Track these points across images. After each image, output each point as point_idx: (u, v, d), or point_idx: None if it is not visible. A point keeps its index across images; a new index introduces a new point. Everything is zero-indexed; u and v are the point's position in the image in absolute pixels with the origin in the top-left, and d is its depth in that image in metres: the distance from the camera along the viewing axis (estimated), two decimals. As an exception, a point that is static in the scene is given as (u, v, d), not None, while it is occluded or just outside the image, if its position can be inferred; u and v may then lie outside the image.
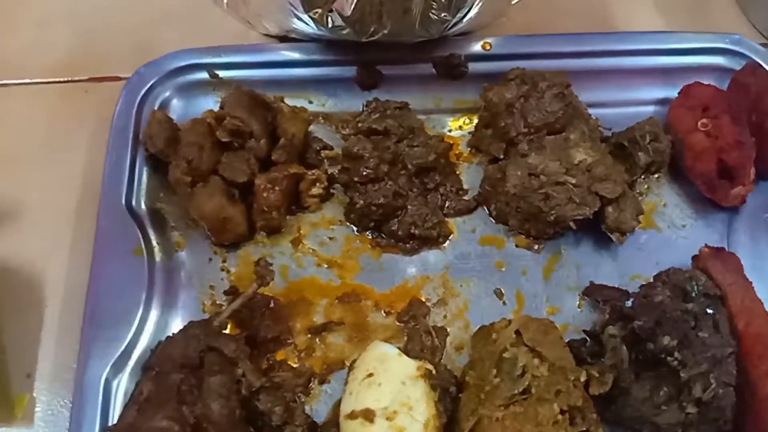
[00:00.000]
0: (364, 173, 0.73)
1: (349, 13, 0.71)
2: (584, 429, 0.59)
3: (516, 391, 0.60)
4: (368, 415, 0.58)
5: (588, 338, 0.68)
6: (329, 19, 0.73)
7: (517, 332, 0.63)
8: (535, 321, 0.64)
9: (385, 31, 0.74)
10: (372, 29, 0.74)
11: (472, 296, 0.72)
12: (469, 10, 0.76)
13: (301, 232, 0.75)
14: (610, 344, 0.64)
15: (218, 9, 0.80)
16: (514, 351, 0.62)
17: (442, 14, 0.73)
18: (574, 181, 0.72)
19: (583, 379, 0.62)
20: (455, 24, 0.78)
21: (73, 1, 0.91)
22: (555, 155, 0.73)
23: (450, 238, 0.76)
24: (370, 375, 0.61)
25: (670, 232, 0.76)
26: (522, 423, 0.58)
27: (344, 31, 0.75)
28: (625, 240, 0.73)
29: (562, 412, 0.59)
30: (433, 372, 0.62)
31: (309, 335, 0.70)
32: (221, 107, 0.75)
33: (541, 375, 0.61)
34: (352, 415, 0.59)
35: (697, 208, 0.77)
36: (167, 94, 0.80)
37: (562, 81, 0.76)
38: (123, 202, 0.72)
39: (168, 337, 0.65)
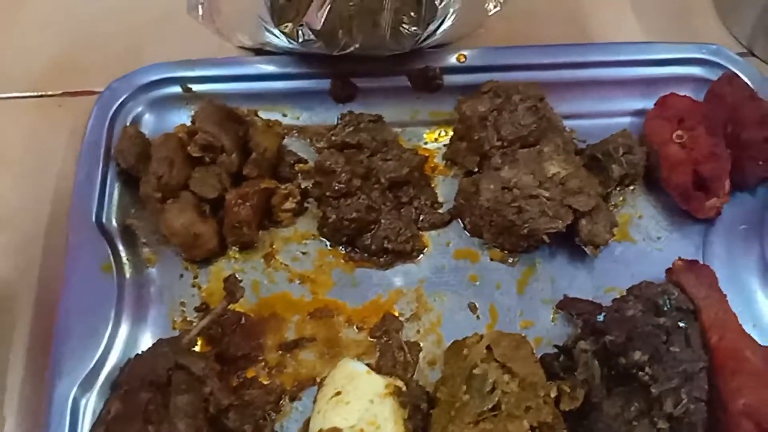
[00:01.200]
0: (336, 187, 0.73)
1: (318, 26, 0.70)
2: (554, 446, 0.59)
3: (485, 408, 0.59)
4: (336, 434, 0.58)
5: (560, 353, 0.67)
6: (300, 32, 0.73)
7: (488, 348, 0.63)
8: (506, 336, 0.64)
9: (357, 45, 0.74)
10: (343, 43, 0.74)
11: (446, 311, 0.72)
12: (441, 23, 0.76)
13: (274, 247, 0.75)
14: (582, 359, 0.64)
15: (193, 22, 0.80)
16: (485, 367, 0.61)
17: (412, 28, 0.73)
18: (547, 195, 0.71)
19: (553, 394, 0.61)
20: (428, 36, 0.78)
21: (47, 15, 0.90)
22: (528, 168, 0.73)
23: (424, 251, 0.75)
24: (338, 393, 0.60)
25: (646, 245, 0.75)
26: (491, 440, 0.58)
27: (315, 45, 0.74)
28: (599, 253, 0.72)
29: (532, 428, 0.59)
30: (404, 389, 0.62)
31: (280, 352, 0.69)
32: (192, 122, 0.75)
33: (511, 391, 0.60)
34: (320, 434, 0.58)
35: (673, 220, 0.76)
36: (140, 108, 0.79)
37: (536, 94, 0.76)
38: (93, 218, 0.71)
39: (137, 354, 0.64)
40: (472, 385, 0.61)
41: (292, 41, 0.75)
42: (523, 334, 0.66)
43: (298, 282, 0.73)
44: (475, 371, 0.61)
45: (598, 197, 0.72)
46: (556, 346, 0.67)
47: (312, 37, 0.73)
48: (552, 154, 0.74)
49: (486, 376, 0.61)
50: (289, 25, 0.73)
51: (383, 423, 0.58)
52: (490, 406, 0.59)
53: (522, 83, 0.77)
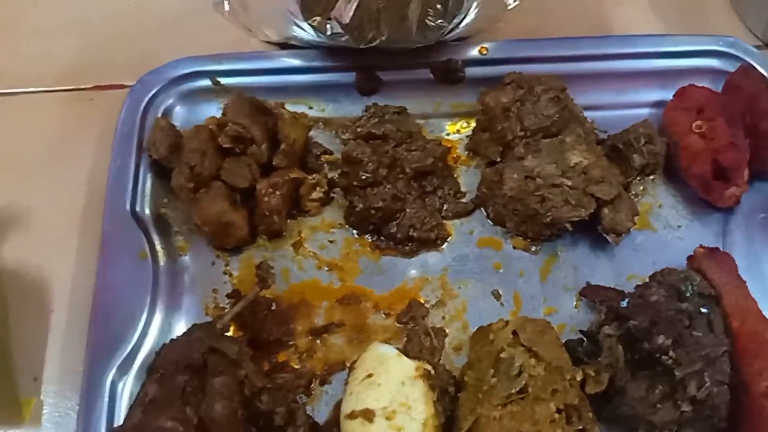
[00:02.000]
0: (363, 177, 0.74)
1: (347, 20, 0.72)
2: (580, 428, 0.60)
3: (513, 391, 0.61)
4: (368, 415, 0.59)
5: (584, 338, 0.68)
6: (328, 26, 0.75)
7: (514, 333, 0.64)
8: (531, 322, 0.65)
9: (383, 38, 0.75)
10: (370, 36, 0.75)
11: (470, 297, 0.73)
12: (465, 16, 0.77)
13: (302, 235, 0.77)
14: (606, 344, 0.66)
15: (219, 17, 0.81)
16: (511, 351, 0.63)
17: (439, 21, 0.75)
18: (569, 183, 0.73)
19: (579, 378, 0.63)
20: (452, 30, 0.79)
21: (77, 10, 0.92)
22: (551, 158, 0.74)
23: (448, 240, 0.77)
24: (370, 375, 0.62)
25: (666, 233, 0.77)
26: (519, 422, 0.59)
27: (343, 38, 0.76)
28: (621, 241, 0.74)
29: (558, 411, 0.60)
30: (432, 372, 0.64)
31: (310, 337, 0.71)
32: (223, 114, 0.77)
33: (538, 375, 0.61)
34: (352, 415, 0.60)
35: (693, 209, 0.78)
36: (170, 101, 0.81)
37: (558, 85, 0.77)
38: (127, 207, 0.73)
39: (172, 339, 0.66)
40: (499, 369, 0.62)
41: (320, 35, 0.77)
42: (547, 320, 0.67)
43: (326, 269, 0.75)
44: (502, 355, 0.63)
45: (619, 186, 0.73)
46: (580, 331, 0.69)
47: (340, 30, 0.75)
48: (574, 144, 0.75)
49: (513, 360, 0.62)
50: (318, 18, 0.74)
51: (414, 404, 0.60)
52: (517, 389, 0.61)
53: (544, 75, 0.78)
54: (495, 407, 0.60)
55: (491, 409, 0.60)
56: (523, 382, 0.61)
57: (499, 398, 0.61)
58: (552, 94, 0.76)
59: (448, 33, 0.79)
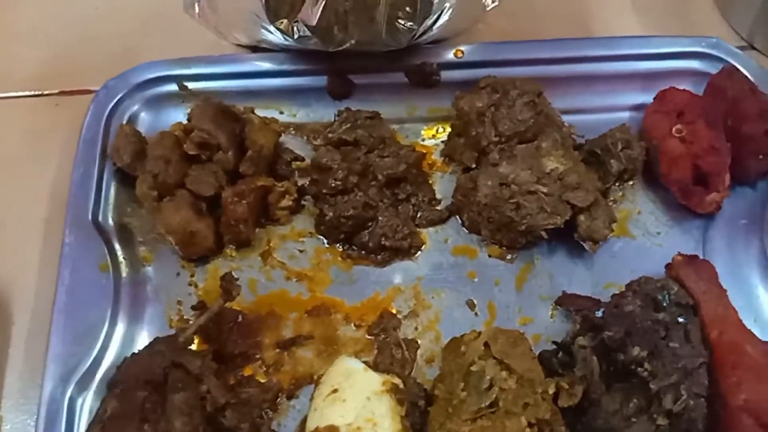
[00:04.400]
0: (333, 185, 0.73)
1: (314, 22, 0.70)
2: (552, 442, 0.59)
3: (483, 405, 0.59)
4: (333, 432, 0.57)
5: (559, 349, 0.67)
6: (295, 29, 0.73)
7: (486, 344, 0.62)
8: (504, 333, 0.63)
9: (353, 41, 0.73)
10: (339, 39, 0.73)
11: (444, 308, 0.71)
12: (437, 19, 0.75)
13: (271, 245, 0.75)
14: (581, 355, 0.64)
15: (189, 20, 0.80)
16: (482, 363, 0.61)
17: (408, 24, 0.73)
18: (545, 190, 0.71)
19: (551, 391, 0.61)
20: (425, 32, 0.77)
21: (43, 14, 0.90)
22: (526, 164, 0.72)
23: (422, 248, 0.75)
24: (335, 391, 0.60)
25: (645, 240, 0.75)
26: (488, 437, 0.57)
27: (311, 41, 0.74)
28: (598, 248, 0.72)
29: (530, 425, 0.58)
30: (401, 386, 0.62)
31: (277, 350, 0.69)
32: (188, 120, 0.75)
33: (509, 388, 0.60)
34: (317, 432, 0.58)
35: (673, 215, 0.76)
36: (136, 107, 0.79)
37: (534, 89, 0.75)
38: (90, 216, 0.71)
39: (133, 353, 0.64)
40: (469, 382, 0.61)
41: (288, 38, 0.75)
42: (521, 331, 0.65)
43: (295, 280, 0.73)
44: (472, 368, 0.61)
45: (596, 192, 0.72)
46: (554, 342, 0.67)
47: (308, 33, 0.73)
48: (550, 150, 0.73)
49: (483, 373, 0.60)
50: (285, 21, 0.72)
51: (380, 420, 0.58)
52: (487, 403, 0.59)
53: (519, 78, 0.76)
54: (464, 422, 0.58)
55: (461, 424, 0.58)
56: (494, 396, 0.59)
57: (468, 413, 0.59)
58: (527, 99, 0.74)
59: (422, 35, 0.77)
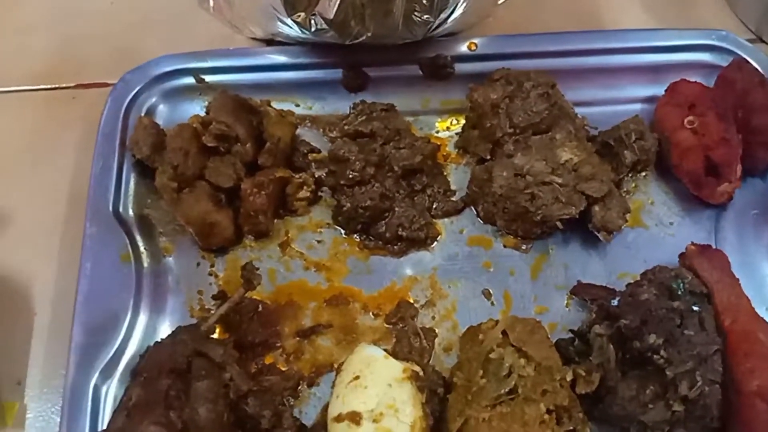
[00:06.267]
0: (350, 176, 0.73)
1: (331, 16, 0.71)
2: (571, 428, 0.60)
3: (502, 392, 0.60)
4: (355, 418, 0.58)
5: (575, 337, 0.68)
6: (312, 22, 0.73)
7: (504, 332, 0.63)
8: (521, 321, 0.64)
9: (369, 34, 0.74)
10: (355, 32, 0.74)
11: (460, 297, 0.72)
12: (452, 12, 0.76)
13: (289, 235, 0.75)
14: (597, 343, 0.65)
15: (204, 13, 0.80)
16: (501, 351, 0.62)
17: (425, 16, 0.73)
18: (560, 181, 0.72)
19: (569, 378, 0.62)
20: (439, 25, 0.78)
21: (58, 8, 0.91)
22: (541, 155, 0.73)
23: (438, 239, 0.76)
24: (357, 378, 0.61)
25: (658, 230, 0.76)
26: (509, 423, 0.58)
27: (328, 34, 0.75)
28: (612, 239, 0.73)
29: (548, 411, 0.59)
30: (421, 374, 0.63)
31: (297, 338, 0.70)
32: (207, 112, 0.75)
33: (528, 375, 0.61)
34: (339, 418, 0.59)
35: (685, 206, 0.77)
36: (153, 99, 0.80)
37: (548, 80, 0.76)
38: (110, 208, 0.72)
39: (156, 342, 0.65)
40: (488, 370, 0.61)
41: (305, 31, 0.76)
42: (537, 320, 0.66)
43: (313, 270, 0.74)
44: (491, 356, 0.62)
45: (610, 183, 0.72)
46: (571, 330, 0.68)
47: (324, 26, 0.73)
48: (564, 141, 0.74)
49: (502, 360, 0.61)
50: (302, 14, 0.73)
51: (402, 406, 0.59)
52: (506, 390, 0.60)
53: (533, 70, 0.77)
54: (484, 408, 0.59)
55: (480, 411, 0.59)
56: (513, 383, 0.60)
57: (488, 399, 0.60)
58: (541, 90, 0.75)
59: (436, 28, 0.78)
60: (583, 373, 0.63)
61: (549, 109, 0.75)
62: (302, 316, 0.71)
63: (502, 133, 0.75)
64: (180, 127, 0.75)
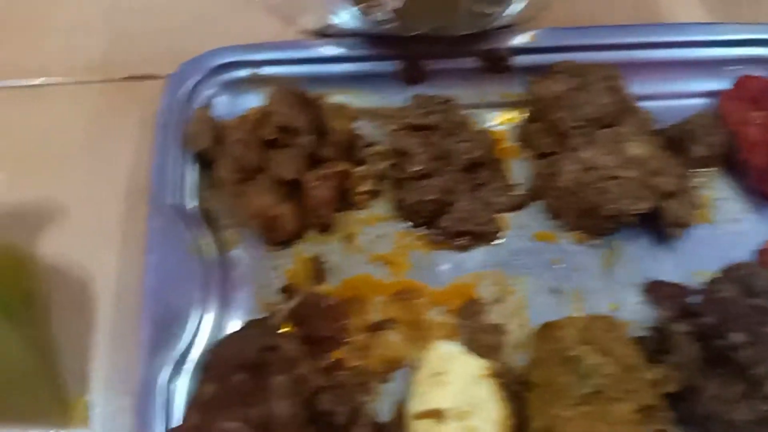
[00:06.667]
0: (413, 169, 0.72)
1: (400, 5, 0.69)
2: (657, 428, 0.58)
3: (586, 391, 0.58)
4: (438, 415, 0.57)
5: (653, 335, 0.66)
6: (377, 12, 0.72)
7: (583, 330, 0.62)
8: (600, 318, 0.63)
9: (434, 25, 0.73)
10: (419, 23, 0.72)
11: (529, 294, 0.71)
12: (514, 3, 0.75)
13: (351, 229, 0.74)
14: (677, 341, 0.63)
15: (253, 8, 0.79)
16: (582, 349, 0.60)
17: (492, 8, 0.72)
18: (629, 175, 0.70)
19: (653, 377, 0.60)
20: (501, 17, 0.77)
21: (108, 2, 0.89)
22: (608, 149, 0.72)
23: (502, 234, 0.74)
24: (438, 374, 0.59)
25: (727, 226, 0.74)
26: (594, 422, 0.57)
27: (389, 25, 0.73)
28: (682, 235, 0.72)
29: (634, 411, 0.58)
30: (499, 371, 0.61)
31: (365, 333, 0.68)
32: (266, 104, 0.74)
33: (611, 374, 0.59)
34: (421, 416, 0.57)
35: (754, 202, 0.75)
36: (210, 91, 0.78)
37: (613, 73, 0.75)
38: (172, 201, 0.70)
39: (226, 336, 0.63)
40: (569, 368, 0.60)
41: (365, 22, 0.74)
42: (615, 317, 0.65)
43: (377, 264, 0.72)
44: (571, 354, 0.60)
45: (681, 178, 0.71)
46: (650, 327, 0.67)
47: (389, 16, 0.72)
48: (630, 135, 0.73)
49: (584, 358, 0.60)
50: (367, 4, 0.72)
51: (485, 404, 0.58)
52: (590, 389, 0.59)
53: (597, 62, 0.76)
54: (568, 408, 0.58)
55: (564, 410, 0.58)
56: (596, 382, 0.59)
57: (571, 398, 0.58)
58: (607, 83, 0.74)
59: (498, 20, 0.76)
60: (665, 372, 0.62)
61: (615, 102, 0.73)
62: (368, 311, 0.69)
63: (566, 126, 0.73)
64: (240, 119, 0.73)
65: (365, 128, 0.79)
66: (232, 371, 0.59)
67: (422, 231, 0.74)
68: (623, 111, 0.74)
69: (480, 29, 0.77)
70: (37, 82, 0.83)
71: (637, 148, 0.72)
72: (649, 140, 0.73)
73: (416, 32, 0.74)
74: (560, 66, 0.77)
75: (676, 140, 0.75)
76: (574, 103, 0.74)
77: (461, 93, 0.80)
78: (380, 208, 0.75)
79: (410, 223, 0.74)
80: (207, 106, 0.77)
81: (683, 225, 0.71)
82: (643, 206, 0.69)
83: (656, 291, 0.70)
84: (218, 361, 0.61)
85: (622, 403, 0.58)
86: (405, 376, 0.66)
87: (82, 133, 0.80)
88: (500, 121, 0.81)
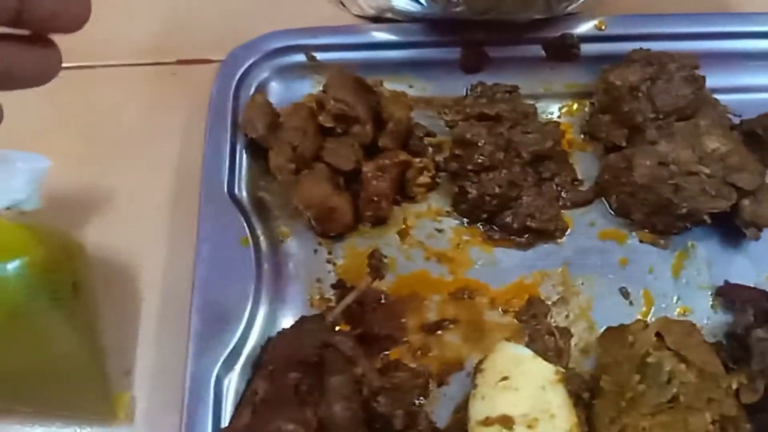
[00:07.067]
0: (479, 161, 0.68)
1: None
2: (740, 441, 0.54)
3: (663, 399, 0.55)
4: (506, 422, 0.53)
5: (730, 342, 0.62)
6: (445, -6, 0.69)
7: (658, 335, 0.58)
8: (677, 323, 0.59)
9: (503, 9, 0.69)
10: (487, 6, 0.69)
11: (595, 295, 0.67)
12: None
13: (407, 223, 0.71)
14: (759, 348, 0.59)
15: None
16: (658, 355, 0.57)
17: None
18: (708, 171, 0.66)
19: (734, 386, 0.56)
20: (571, 2, 0.73)
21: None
22: (686, 143, 0.67)
23: (567, 232, 0.70)
24: (506, 378, 0.56)
25: (806, 228, 0.70)
26: (671, 432, 0.53)
27: (457, 8, 0.70)
28: (760, 236, 0.67)
29: (713, 422, 0.54)
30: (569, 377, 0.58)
31: (423, 333, 0.65)
32: (323, 90, 0.71)
33: (689, 381, 0.55)
34: (487, 422, 0.54)
35: (836, 202, 0.71)
36: (264, 76, 0.75)
37: (692, 62, 0.70)
38: (225, 189, 0.68)
39: (279, 332, 0.61)
40: (645, 374, 0.56)
41: (429, 5, 0.71)
42: (692, 322, 0.61)
43: (435, 260, 0.69)
44: (648, 360, 0.57)
45: (762, 175, 0.67)
46: (728, 333, 0.63)
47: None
48: (709, 129, 0.69)
49: (661, 365, 0.56)
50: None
51: (558, 411, 0.54)
52: (668, 397, 0.55)
53: (676, 51, 0.71)
54: (644, 416, 0.54)
55: (639, 419, 0.54)
56: (674, 390, 0.55)
57: (647, 407, 0.55)
58: (686, 73, 0.69)
59: (569, 5, 0.73)
60: (745, 381, 0.57)
61: (694, 93, 0.69)
62: (426, 310, 0.66)
63: (642, 117, 0.69)
64: (296, 105, 0.71)
65: (421, 117, 0.76)
66: (287, 369, 0.57)
67: (481, 226, 0.71)
68: (702, 103, 0.70)
69: (556, 14, 0.73)
70: (86, 64, 0.81)
71: (715, 143, 0.68)
72: (727, 134, 0.69)
73: (484, 17, 0.71)
74: (636, 54, 0.72)
75: (754, 135, 0.70)
76: (652, 94, 0.69)
77: (522, 82, 0.76)
78: (437, 201, 0.72)
79: (471, 219, 0.71)
80: (261, 91, 0.75)
81: (762, 226, 0.66)
82: (722, 205, 0.65)
83: (732, 294, 0.65)
84: (272, 358, 0.58)
85: (701, 412, 0.54)
86: (463, 379, 0.63)
87: (132, 118, 0.78)
88: (564, 113, 0.77)
